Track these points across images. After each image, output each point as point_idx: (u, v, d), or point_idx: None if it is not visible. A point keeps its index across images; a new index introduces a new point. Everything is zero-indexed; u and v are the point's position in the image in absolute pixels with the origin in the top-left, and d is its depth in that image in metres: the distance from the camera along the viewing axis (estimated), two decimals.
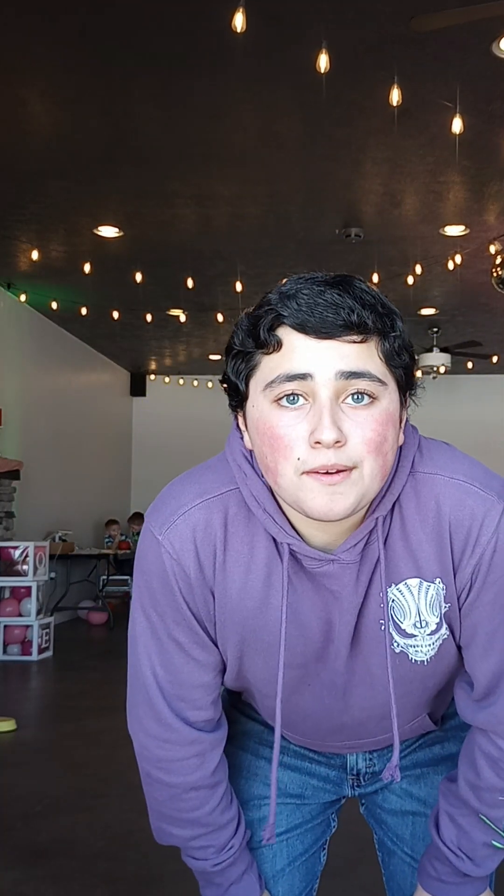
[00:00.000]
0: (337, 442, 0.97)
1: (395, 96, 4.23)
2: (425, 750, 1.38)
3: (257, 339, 1.02)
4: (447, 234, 6.63)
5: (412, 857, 1.36)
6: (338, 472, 0.99)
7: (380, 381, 1.00)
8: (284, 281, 1.04)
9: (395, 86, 4.23)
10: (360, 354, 0.99)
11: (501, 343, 10.15)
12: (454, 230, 6.55)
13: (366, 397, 1.00)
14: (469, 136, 4.93)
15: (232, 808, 1.27)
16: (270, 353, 1.01)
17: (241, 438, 1.11)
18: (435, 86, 4.47)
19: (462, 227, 6.50)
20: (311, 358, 0.99)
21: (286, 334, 1.00)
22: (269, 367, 1.01)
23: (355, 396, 1.00)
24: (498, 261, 6.29)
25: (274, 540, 1.11)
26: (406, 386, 1.06)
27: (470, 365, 10.93)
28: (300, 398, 1.00)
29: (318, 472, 0.99)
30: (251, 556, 1.12)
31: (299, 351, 0.99)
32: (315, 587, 1.12)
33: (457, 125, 4.49)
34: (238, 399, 1.08)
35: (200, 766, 1.21)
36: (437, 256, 7.06)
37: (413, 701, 1.24)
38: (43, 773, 3.94)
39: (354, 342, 0.99)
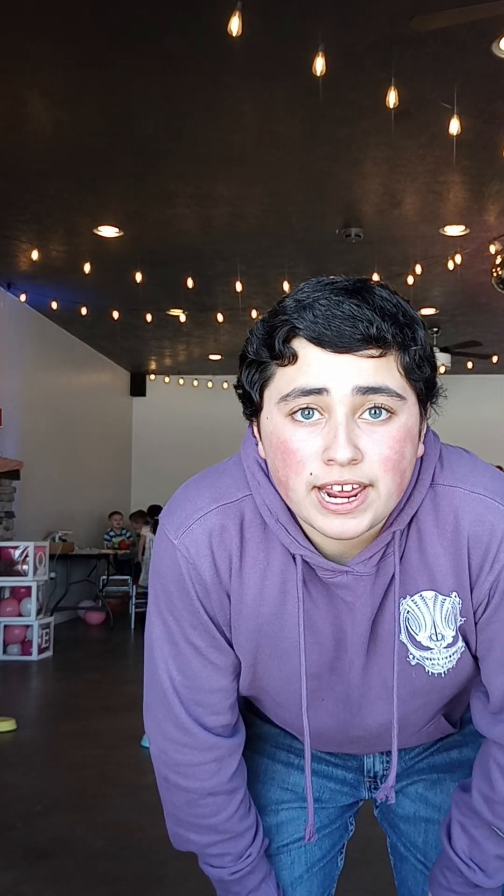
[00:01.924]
0: (352, 460, 0.94)
1: (395, 96, 4.24)
2: (443, 754, 1.36)
3: (272, 349, 0.98)
4: (447, 234, 6.63)
5: (424, 865, 1.35)
6: (350, 498, 0.96)
7: (399, 395, 0.97)
8: (302, 284, 1.00)
9: (395, 86, 4.24)
10: (379, 368, 0.96)
11: (501, 343, 10.16)
12: (454, 230, 6.55)
13: (384, 412, 0.96)
14: (469, 136, 4.93)
15: (250, 816, 1.26)
16: (285, 366, 0.98)
17: (257, 445, 1.08)
18: (435, 86, 4.47)
19: (462, 227, 6.51)
20: (327, 372, 0.95)
21: (302, 347, 0.96)
22: (283, 379, 0.98)
23: (373, 412, 0.96)
24: (498, 261, 6.29)
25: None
26: (427, 398, 1.03)
27: (470, 365, 10.93)
28: (315, 413, 0.96)
29: (330, 494, 0.97)
30: (267, 562, 1.10)
31: (315, 365, 0.95)
32: (329, 595, 1.10)
33: (456, 125, 4.50)
34: (252, 408, 1.05)
35: (218, 772, 1.20)
36: (437, 256, 7.06)
37: (430, 710, 1.23)
38: (43, 773, 3.93)
39: (373, 356, 0.95)
